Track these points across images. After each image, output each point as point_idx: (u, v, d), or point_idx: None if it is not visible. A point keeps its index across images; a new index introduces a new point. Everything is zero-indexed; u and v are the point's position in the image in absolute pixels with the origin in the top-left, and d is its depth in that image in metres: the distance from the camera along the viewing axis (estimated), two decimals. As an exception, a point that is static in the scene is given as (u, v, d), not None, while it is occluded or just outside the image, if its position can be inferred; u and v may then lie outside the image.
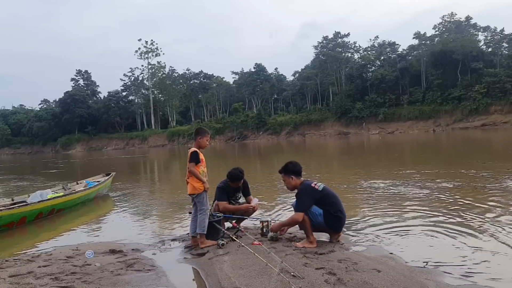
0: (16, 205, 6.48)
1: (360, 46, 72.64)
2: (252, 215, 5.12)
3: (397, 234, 4.54)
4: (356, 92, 63.50)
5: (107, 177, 10.07)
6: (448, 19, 66.23)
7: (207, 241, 4.25)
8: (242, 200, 5.16)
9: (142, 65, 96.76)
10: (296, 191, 4.19)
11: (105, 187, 9.47)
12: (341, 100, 62.99)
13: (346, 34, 71.37)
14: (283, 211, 6.21)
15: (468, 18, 64.88)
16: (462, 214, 5.27)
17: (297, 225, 4.13)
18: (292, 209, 4.35)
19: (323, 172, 12.45)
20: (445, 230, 4.53)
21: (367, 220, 5.31)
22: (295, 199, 4.17)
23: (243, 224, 5.11)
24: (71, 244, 4.77)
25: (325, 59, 70.92)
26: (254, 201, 5.04)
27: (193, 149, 4.31)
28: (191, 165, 4.24)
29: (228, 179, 4.93)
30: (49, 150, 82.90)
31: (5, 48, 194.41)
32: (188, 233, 4.96)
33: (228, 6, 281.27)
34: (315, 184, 4.06)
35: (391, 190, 7.61)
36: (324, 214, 3.99)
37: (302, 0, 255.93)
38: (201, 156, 4.33)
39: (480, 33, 62.71)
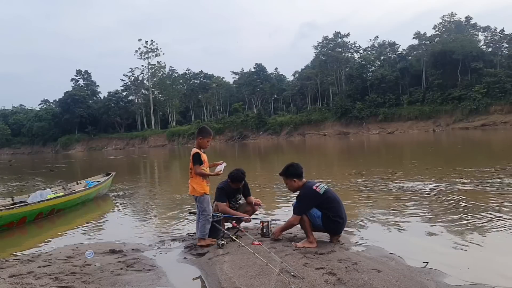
0: (16, 205, 6.47)
1: (360, 46, 72.77)
2: (253, 215, 5.12)
3: (397, 234, 4.54)
4: (356, 92, 63.50)
5: (107, 177, 10.05)
6: (448, 19, 66.23)
7: (207, 240, 4.24)
8: (242, 201, 5.16)
9: (142, 65, 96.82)
10: (298, 192, 4.18)
11: (105, 187, 9.46)
12: (341, 100, 62.99)
13: (346, 34, 71.42)
14: (284, 211, 6.20)
15: (468, 18, 64.90)
16: (462, 214, 5.27)
17: (298, 225, 4.13)
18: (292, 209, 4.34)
19: (323, 172, 12.45)
20: (445, 230, 4.54)
21: (367, 220, 5.31)
22: (295, 199, 4.17)
23: (243, 224, 5.11)
24: (71, 244, 4.76)
25: (325, 59, 70.94)
26: (222, 166, 4.51)
27: (195, 150, 4.27)
28: (197, 167, 4.21)
29: (229, 180, 4.92)
30: (49, 150, 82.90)
31: (5, 48, 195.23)
32: (188, 233, 4.97)
33: (228, 6, 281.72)
34: (317, 187, 4.02)
35: (391, 190, 7.61)
36: (323, 217, 3.99)
37: (302, 0, 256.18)
38: (204, 156, 4.29)
39: (480, 33, 62.74)
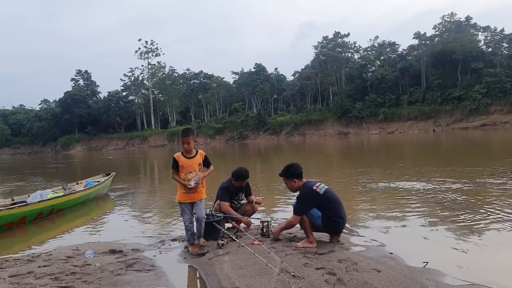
0: (16, 205, 6.47)
1: (360, 46, 72.77)
2: (253, 215, 5.12)
3: (397, 234, 4.54)
4: (356, 92, 63.53)
5: (107, 177, 10.05)
6: (448, 19, 66.28)
7: (194, 247, 4.15)
8: (244, 201, 5.16)
9: (142, 65, 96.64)
10: (298, 192, 4.18)
11: (105, 187, 9.46)
12: (341, 100, 63.01)
13: (346, 34, 71.46)
14: (284, 211, 6.20)
15: (468, 18, 64.94)
16: (462, 213, 5.27)
17: (297, 225, 4.13)
18: (292, 209, 4.34)
19: (323, 172, 12.45)
20: (445, 230, 4.54)
21: (367, 220, 5.32)
22: (295, 199, 4.17)
23: (243, 224, 5.10)
24: (71, 244, 4.76)
25: (325, 59, 70.95)
26: (193, 180, 4.28)
27: (175, 154, 4.18)
28: (172, 172, 4.18)
29: (233, 178, 4.92)
30: (49, 150, 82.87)
31: (5, 48, 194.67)
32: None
33: (228, 6, 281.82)
34: (317, 187, 4.02)
35: (390, 190, 7.61)
36: (323, 217, 3.99)
37: (302, 0, 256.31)
38: (183, 161, 4.11)
39: (480, 33, 62.77)
